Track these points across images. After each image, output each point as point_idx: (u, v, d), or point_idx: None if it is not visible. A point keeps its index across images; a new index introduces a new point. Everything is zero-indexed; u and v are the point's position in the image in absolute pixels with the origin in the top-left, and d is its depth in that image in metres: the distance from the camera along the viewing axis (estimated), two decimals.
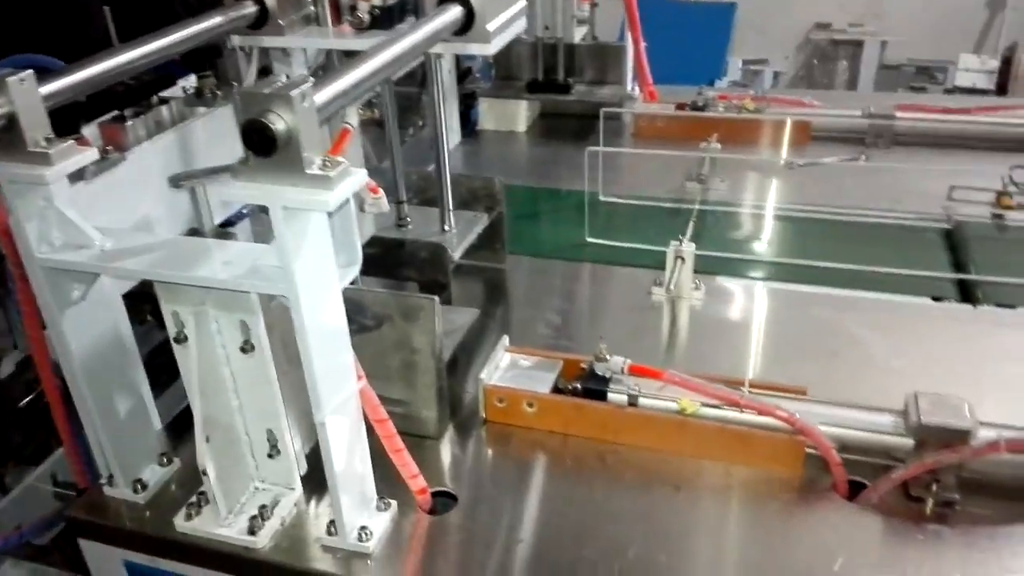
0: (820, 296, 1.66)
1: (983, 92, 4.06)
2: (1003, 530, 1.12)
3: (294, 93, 0.85)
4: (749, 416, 1.23)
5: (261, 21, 1.43)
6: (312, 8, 1.47)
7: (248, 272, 0.98)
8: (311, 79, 0.89)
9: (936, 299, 1.63)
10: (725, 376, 1.28)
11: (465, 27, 1.31)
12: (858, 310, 1.61)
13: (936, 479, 1.15)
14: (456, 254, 1.55)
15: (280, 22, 1.42)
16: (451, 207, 1.61)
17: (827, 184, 2.11)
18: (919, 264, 1.72)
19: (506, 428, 1.34)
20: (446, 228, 1.62)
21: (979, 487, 1.17)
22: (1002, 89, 3.78)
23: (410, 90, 2.48)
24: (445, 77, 2.32)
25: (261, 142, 0.85)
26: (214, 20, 1.36)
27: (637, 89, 2.71)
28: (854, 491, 1.18)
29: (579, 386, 1.31)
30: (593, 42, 2.66)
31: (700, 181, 2.03)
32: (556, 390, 1.34)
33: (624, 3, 2.56)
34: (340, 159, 0.90)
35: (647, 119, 2.47)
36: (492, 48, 1.33)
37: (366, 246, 1.53)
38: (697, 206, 1.90)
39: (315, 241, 0.95)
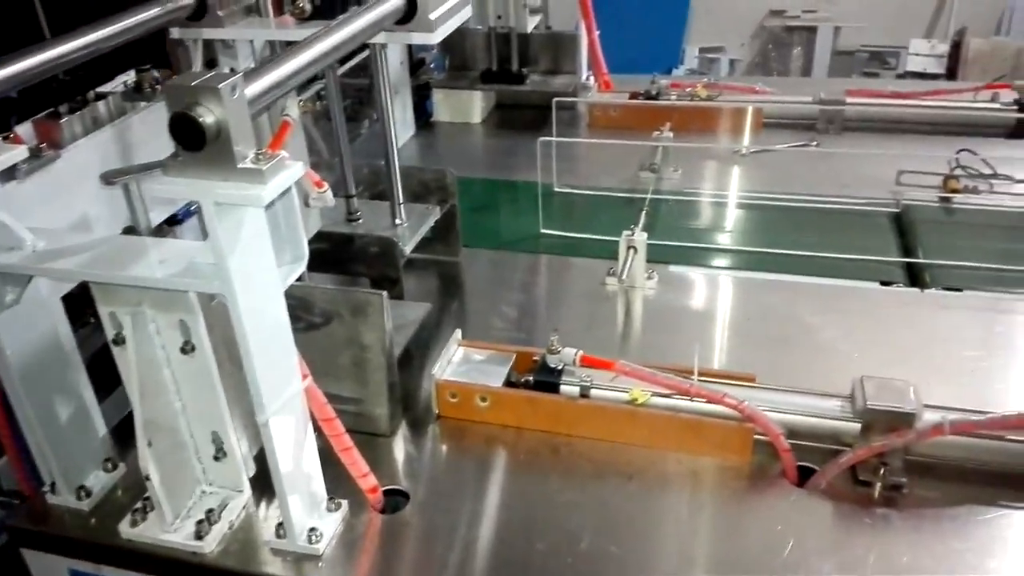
0: (771, 283, 1.67)
1: (934, 76, 4.12)
2: (950, 512, 1.13)
3: (222, 85, 0.82)
4: (699, 404, 1.23)
5: (200, 12, 1.40)
6: None
7: (184, 271, 0.95)
8: (240, 72, 0.87)
9: (885, 284, 1.65)
10: (676, 365, 1.28)
11: (408, 16, 1.29)
12: (808, 296, 1.62)
13: (884, 463, 1.16)
14: (407, 248, 1.53)
15: (219, 13, 1.39)
16: (401, 200, 1.59)
17: (778, 170, 2.13)
18: (869, 249, 1.74)
19: (460, 423, 1.33)
20: (397, 222, 1.60)
21: (927, 470, 1.18)
22: (952, 73, 3.84)
23: (363, 82, 2.45)
24: (395, 68, 2.30)
25: (189, 136, 0.83)
26: (151, 12, 1.33)
27: (592, 78, 2.71)
28: (804, 477, 1.19)
29: (531, 379, 1.31)
30: (547, 31, 2.64)
31: (653, 170, 2.03)
32: (509, 383, 1.33)
33: None
34: (275, 152, 0.88)
35: (601, 108, 2.47)
36: (435, 37, 1.31)
37: (314, 241, 1.51)
38: (649, 195, 1.90)
39: (251, 237, 0.92)
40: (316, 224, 1.48)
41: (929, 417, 1.14)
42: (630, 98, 2.48)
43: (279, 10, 1.45)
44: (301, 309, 1.30)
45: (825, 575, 1.05)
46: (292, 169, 0.90)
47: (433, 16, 1.29)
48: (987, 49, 3.61)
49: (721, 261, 1.76)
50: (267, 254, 0.97)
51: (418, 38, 1.31)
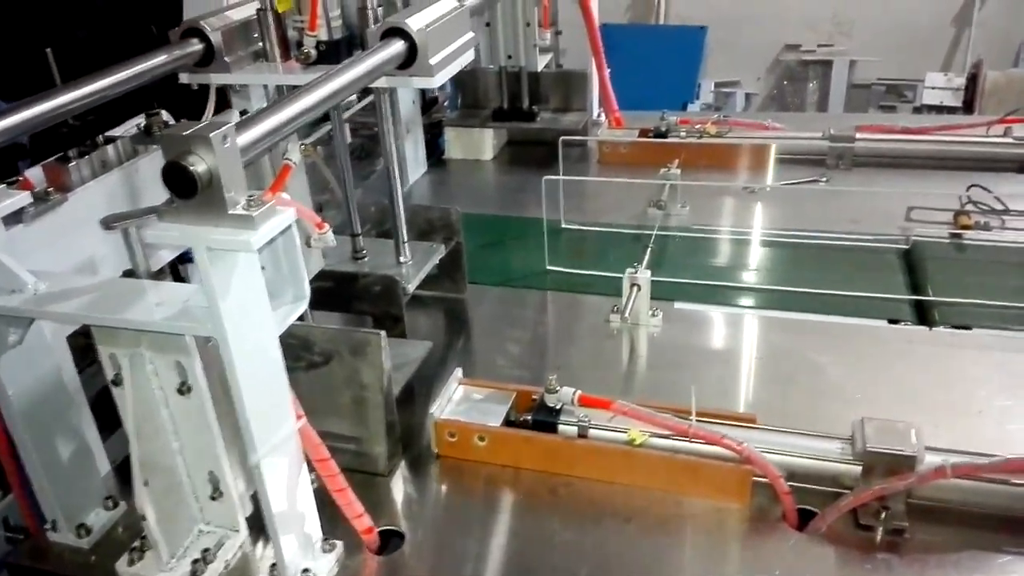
0: (777, 320, 1.66)
1: (950, 110, 4.10)
2: (952, 557, 1.11)
3: (214, 135, 0.84)
4: (698, 446, 1.22)
5: (208, 59, 1.43)
6: (261, 44, 1.48)
7: (178, 313, 0.97)
8: (234, 120, 0.89)
9: (892, 321, 1.63)
10: (676, 405, 1.27)
11: (408, 61, 1.31)
12: (814, 334, 1.61)
13: (885, 506, 1.14)
14: (411, 286, 1.55)
15: (226, 59, 1.42)
16: (406, 239, 1.60)
17: (787, 207, 2.12)
18: (877, 286, 1.73)
19: (458, 462, 1.33)
20: (401, 260, 1.61)
21: (930, 514, 1.16)
22: (969, 106, 3.82)
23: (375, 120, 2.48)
24: (407, 108, 2.33)
25: (181, 184, 0.84)
26: (159, 58, 1.36)
27: (604, 115, 2.73)
28: (804, 520, 1.17)
29: (529, 418, 1.30)
30: (557, 70, 2.67)
31: (659, 207, 2.03)
32: (508, 423, 1.33)
33: (587, 30, 2.59)
34: (266, 198, 0.90)
35: (610, 145, 2.48)
36: (436, 81, 1.33)
37: (317, 280, 1.53)
38: (655, 231, 1.90)
39: (244, 281, 0.94)
40: (318, 264, 1.50)
41: (931, 460, 1.13)
42: (640, 135, 2.49)
43: (286, 55, 1.48)
44: (302, 348, 1.31)
45: None
46: (284, 215, 0.92)
47: (433, 61, 1.31)
48: (1004, 82, 3.59)
49: (727, 298, 1.75)
50: (261, 297, 0.98)
51: (419, 83, 1.33)
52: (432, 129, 2.64)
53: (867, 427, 1.16)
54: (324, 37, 1.42)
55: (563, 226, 2.06)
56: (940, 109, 4.14)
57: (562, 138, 2.06)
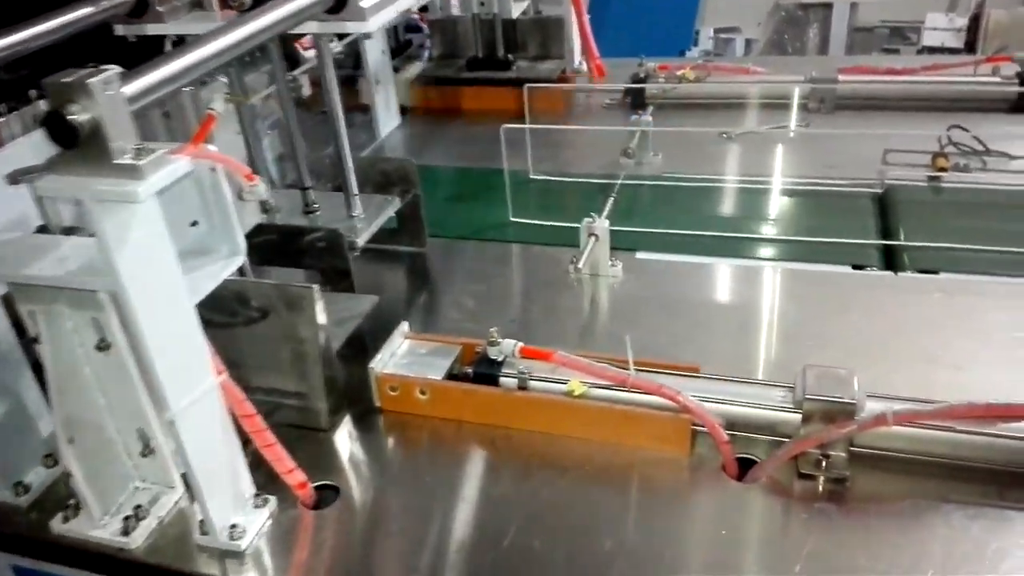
0: (738, 269, 1.62)
1: (953, 51, 3.97)
2: (894, 506, 1.08)
3: (93, 81, 0.81)
4: (639, 396, 1.19)
5: (141, 9, 1.39)
6: None
7: (81, 268, 0.95)
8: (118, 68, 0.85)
9: (857, 267, 1.58)
10: (621, 357, 1.24)
11: (339, 4, 1.27)
12: (776, 282, 1.57)
13: (825, 455, 1.11)
14: (360, 240, 1.52)
15: (159, 9, 1.39)
16: (356, 191, 1.57)
17: (763, 153, 2.07)
18: (848, 231, 1.68)
19: (402, 417, 1.32)
20: (353, 214, 1.58)
21: (872, 462, 1.13)
22: (971, 47, 3.69)
23: (347, 71, 2.44)
24: (376, 58, 2.28)
25: (61, 133, 0.82)
26: (86, 9, 1.32)
27: (584, 64, 2.67)
28: (746, 469, 1.15)
29: (471, 371, 1.28)
30: (534, 16, 2.60)
31: (628, 156, 1.98)
32: (451, 376, 1.30)
33: None
34: (156, 147, 0.87)
35: (588, 92, 2.42)
36: (370, 26, 1.29)
37: (264, 235, 1.51)
38: (620, 181, 1.86)
39: (144, 233, 0.91)
40: (255, 217, 1.47)
41: (873, 407, 1.09)
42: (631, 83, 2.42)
43: (225, 3, 1.43)
44: (239, 303, 1.29)
45: (753, 572, 1.01)
46: (175, 164, 0.89)
47: (366, 3, 1.27)
48: (1008, 21, 3.46)
49: (690, 248, 1.70)
50: (165, 250, 0.95)
51: (351, 27, 1.29)
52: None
53: (808, 375, 1.13)
54: None
55: (531, 176, 2.02)
56: (942, 51, 4.00)
57: (526, 86, 2.00)
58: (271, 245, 1.50)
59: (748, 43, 4.75)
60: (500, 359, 1.28)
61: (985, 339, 1.36)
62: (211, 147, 1.19)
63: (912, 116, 2.14)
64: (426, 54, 2.72)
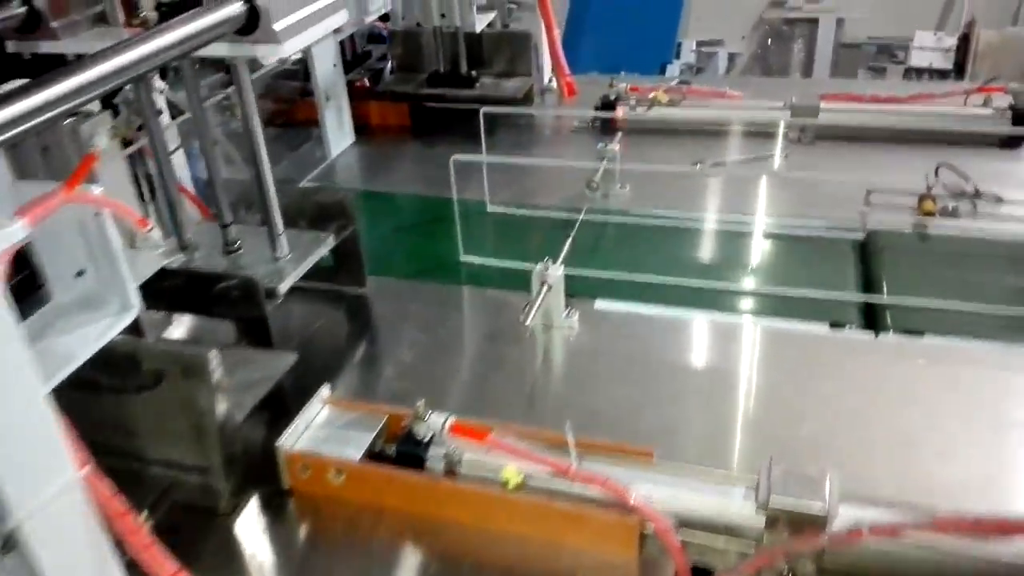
0: (704, 323, 1.47)
1: (941, 73, 3.85)
2: None
3: None
4: (582, 488, 1.04)
5: (32, 23, 1.22)
6: (101, 6, 1.27)
7: None
8: None
9: (835, 325, 1.44)
10: (560, 436, 1.09)
11: (250, 25, 1.11)
12: (744, 341, 1.43)
13: (792, 570, 0.96)
14: (282, 286, 1.35)
15: (53, 25, 1.22)
16: (281, 230, 1.41)
17: (739, 186, 1.92)
18: (826, 282, 1.53)
19: (315, 500, 1.15)
20: (277, 255, 1.42)
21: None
22: (960, 69, 3.58)
23: (293, 84, 2.28)
24: (326, 72, 2.12)
25: None
26: None
27: (555, 81, 2.52)
28: None
29: (393, 450, 1.13)
30: (500, 30, 2.44)
31: (592, 188, 1.82)
32: (372, 454, 1.15)
33: None
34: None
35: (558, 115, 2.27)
36: (285, 50, 1.13)
37: (171, 279, 1.34)
38: (581, 217, 1.71)
39: None
40: (154, 264, 1.29)
41: (847, 514, 0.95)
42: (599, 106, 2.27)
43: (130, 19, 1.27)
44: (130, 366, 1.13)
45: None
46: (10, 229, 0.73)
47: (279, 27, 1.11)
48: (999, 42, 3.34)
49: (653, 296, 1.55)
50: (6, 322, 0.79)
51: (264, 50, 1.13)
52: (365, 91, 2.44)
53: (774, 472, 0.98)
54: None
55: (488, 209, 1.87)
56: (930, 72, 3.89)
57: (482, 110, 1.85)
58: (179, 291, 1.33)
59: (731, 57, 4.62)
60: (427, 437, 1.12)
61: (974, 419, 1.22)
62: (94, 188, 1.04)
63: (897, 149, 2.01)
64: (387, 67, 2.56)
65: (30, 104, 0.82)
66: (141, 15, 1.22)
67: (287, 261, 1.42)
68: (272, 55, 1.13)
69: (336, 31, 2.13)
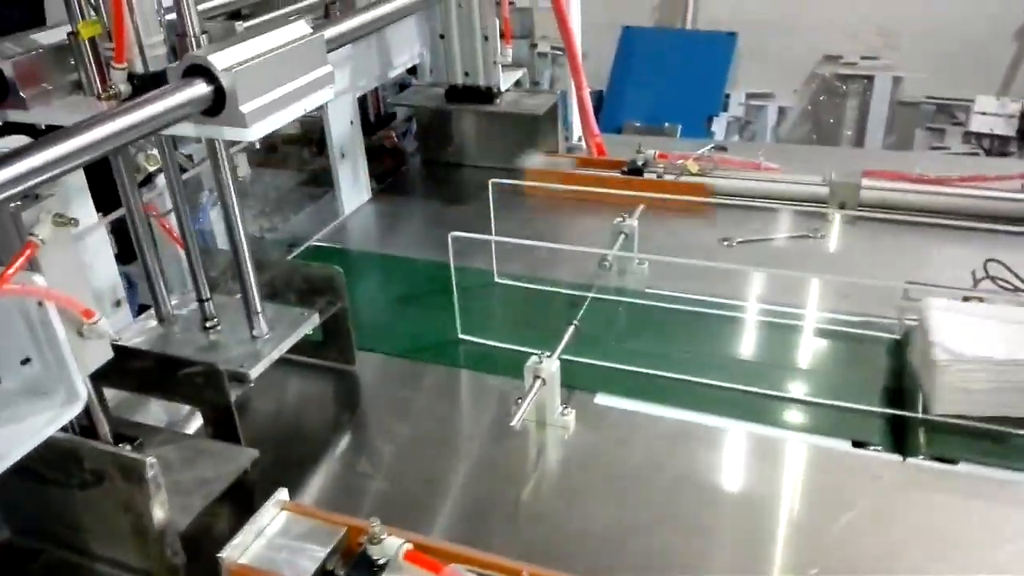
0: (711, 432, 1.33)
1: (1002, 140, 3.65)
2: None
3: None
4: None
5: (2, 93, 1.17)
6: (75, 76, 1.21)
7: None
8: None
9: (858, 444, 1.29)
10: (525, 568, 0.97)
11: (216, 106, 1.03)
12: (755, 457, 1.29)
13: None
14: (254, 371, 1.27)
15: (22, 95, 1.17)
16: (259, 308, 1.32)
17: (768, 268, 1.78)
18: (853, 388, 1.39)
19: None
20: (255, 334, 1.33)
21: None
22: (1023, 135, 3.38)
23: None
24: (341, 129, 2.06)
25: None
26: None
27: (583, 140, 2.42)
28: None
29: (343, 574, 1.02)
30: (525, 90, 2.35)
31: (603, 267, 1.70)
32: (324, 572, 1.04)
33: (564, 43, 2.27)
34: None
35: (574, 180, 2.16)
36: (252, 134, 1.05)
37: (136, 360, 1.26)
38: (591, 296, 1.60)
39: None
40: (103, 354, 1.21)
41: None
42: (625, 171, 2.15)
43: (106, 89, 1.21)
44: (72, 463, 1.05)
45: None
46: None
47: (247, 109, 1.03)
48: None
49: (659, 394, 1.42)
50: None
51: (231, 134, 1.05)
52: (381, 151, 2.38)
53: None
54: (139, 68, 1.14)
55: (496, 280, 1.77)
56: (990, 138, 3.69)
57: (491, 181, 1.75)
58: (144, 373, 1.26)
59: (781, 111, 4.47)
60: (381, 561, 1.01)
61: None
62: (36, 278, 0.98)
63: (945, 234, 1.85)
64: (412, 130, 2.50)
65: None
66: (112, 87, 1.15)
67: (265, 341, 1.33)
68: (240, 138, 1.05)
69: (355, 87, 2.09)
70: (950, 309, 1.36)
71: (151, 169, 1.55)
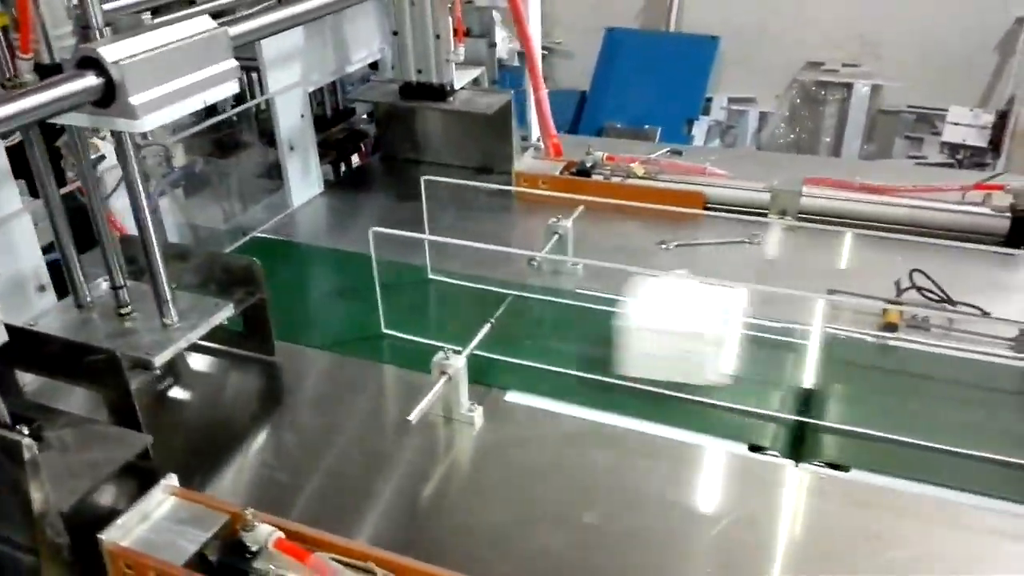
0: (614, 432, 1.35)
1: (975, 150, 3.65)
2: None
3: None
4: None
5: None
6: None
7: None
8: None
9: (755, 448, 1.30)
10: (392, 559, 0.99)
11: (107, 98, 1.05)
12: (651, 456, 1.30)
13: None
14: (158, 359, 1.29)
15: None
16: (168, 297, 1.34)
17: (701, 273, 1.78)
18: (761, 394, 1.40)
19: None
20: (167, 322, 1.36)
21: None
22: (996, 146, 3.37)
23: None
24: (290, 121, 2.08)
25: None
26: None
27: (541, 140, 2.43)
28: None
29: (214, 559, 1.04)
30: (480, 89, 2.36)
31: (534, 266, 1.72)
32: (200, 558, 1.06)
33: (520, 42, 2.28)
34: None
35: (528, 180, 2.17)
36: (144, 125, 1.07)
37: (44, 345, 1.29)
38: (511, 294, 1.62)
39: None
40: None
41: None
42: (565, 170, 2.17)
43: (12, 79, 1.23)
44: None
45: None
46: None
47: (138, 101, 1.05)
48: None
49: (569, 393, 1.43)
50: None
51: (122, 124, 1.07)
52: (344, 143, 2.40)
53: None
54: (45, 58, 1.17)
55: (430, 276, 1.79)
56: (964, 148, 3.68)
57: (424, 179, 1.77)
58: (51, 359, 1.28)
59: (763, 116, 4.47)
60: (255, 548, 1.03)
61: None
62: None
63: (880, 244, 1.85)
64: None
65: None
66: (14, 78, 1.17)
67: (176, 329, 1.35)
68: (131, 129, 1.07)
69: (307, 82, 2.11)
70: (648, 284, 1.48)
71: (92, 157, 1.58)
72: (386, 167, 2.47)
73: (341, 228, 2.11)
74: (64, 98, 1.01)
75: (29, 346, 1.29)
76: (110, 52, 1.03)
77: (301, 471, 1.31)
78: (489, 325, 1.48)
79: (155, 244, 1.30)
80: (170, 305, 1.35)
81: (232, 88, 1.19)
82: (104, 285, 1.43)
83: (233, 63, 1.19)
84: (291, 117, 2.07)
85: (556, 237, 1.77)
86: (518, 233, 2.00)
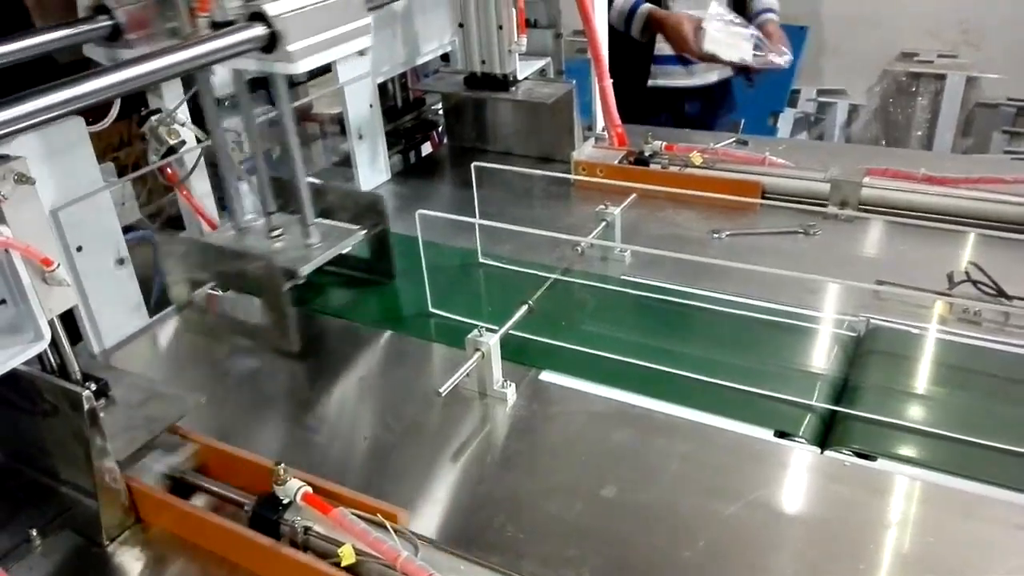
0: (644, 415, 1.37)
1: None
2: None
3: None
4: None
5: (115, 35, 1.40)
6: (175, 23, 1.41)
7: None
8: None
9: (781, 435, 1.30)
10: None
11: (271, 45, 1.26)
12: (678, 438, 1.31)
13: None
14: (303, 269, 1.57)
15: (129, 37, 1.39)
16: (311, 220, 1.64)
17: (753, 262, 1.76)
18: (798, 382, 1.40)
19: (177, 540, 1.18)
20: (308, 242, 1.64)
21: None
22: None
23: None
24: (362, 112, 2.18)
25: None
26: (64, 32, 1.36)
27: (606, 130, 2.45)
28: None
29: (251, 510, 1.13)
30: (543, 79, 2.40)
31: (578, 252, 1.75)
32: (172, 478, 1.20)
33: (585, 32, 2.31)
34: None
35: (587, 168, 2.20)
36: (298, 68, 1.27)
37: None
38: (554, 277, 1.66)
39: None
40: (69, 300, 1.34)
41: None
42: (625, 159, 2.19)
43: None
44: (35, 394, 1.20)
45: None
46: None
47: (293, 47, 1.25)
48: None
49: (604, 375, 1.46)
50: None
51: (279, 67, 1.28)
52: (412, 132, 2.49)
53: None
54: (218, 16, 1.32)
55: (480, 260, 1.85)
56: None
57: (474, 165, 1.83)
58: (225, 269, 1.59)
59: (853, 108, 4.32)
60: (286, 501, 1.12)
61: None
62: (2, 229, 1.12)
63: (940, 236, 1.78)
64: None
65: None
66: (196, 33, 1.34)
67: (316, 248, 1.63)
68: (287, 71, 1.29)
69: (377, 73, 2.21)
70: None
71: (172, 142, 1.73)
72: (453, 156, 2.54)
73: (402, 213, 2.18)
74: (240, 43, 1.22)
75: (203, 258, 1.61)
76: (274, 8, 1.23)
77: (337, 434, 1.39)
78: (526, 306, 1.53)
79: (303, 181, 1.60)
80: (313, 229, 1.64)
81: (367, 41, 1.37)
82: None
83: (368, 20, 1.36)
84: (360, 106, 2.17)
85: (604, 224, 1.80)
86: (573, 221, 2.03)
